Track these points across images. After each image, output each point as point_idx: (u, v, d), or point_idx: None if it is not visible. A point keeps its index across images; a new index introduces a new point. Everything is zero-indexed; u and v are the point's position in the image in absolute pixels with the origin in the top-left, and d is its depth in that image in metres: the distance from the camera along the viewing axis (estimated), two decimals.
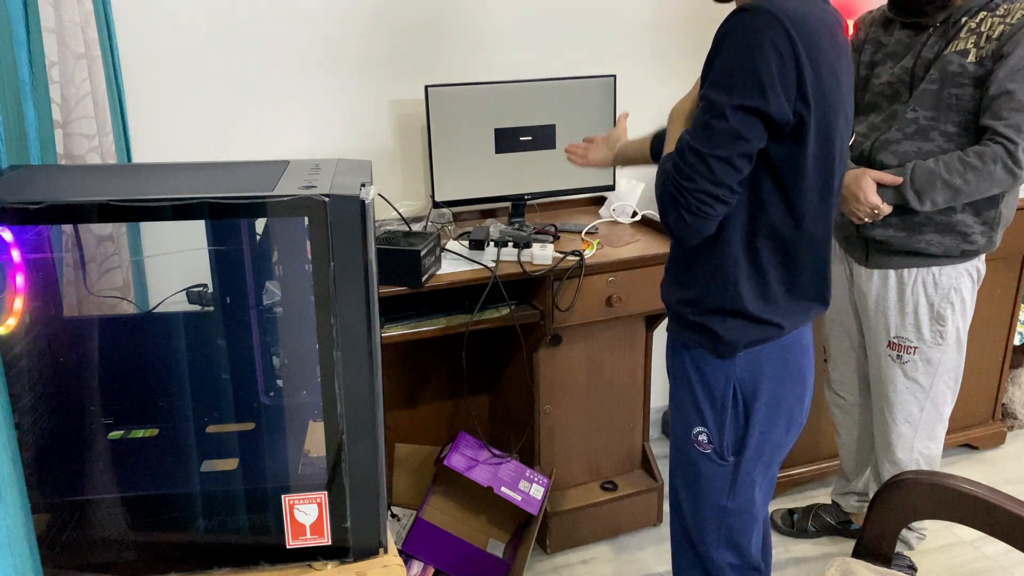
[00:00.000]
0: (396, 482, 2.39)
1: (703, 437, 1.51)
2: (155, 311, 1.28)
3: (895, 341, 1.99)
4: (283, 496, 1.03)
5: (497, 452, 2.18)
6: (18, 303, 1.01)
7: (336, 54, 2.26)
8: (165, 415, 1.16)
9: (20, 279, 1.01)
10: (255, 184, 0.97)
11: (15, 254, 1.01)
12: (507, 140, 2.31)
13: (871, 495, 2.08)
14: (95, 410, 1.11)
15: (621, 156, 1.79)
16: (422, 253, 1.89)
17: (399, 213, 2.04)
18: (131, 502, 1.06)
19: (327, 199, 0.92)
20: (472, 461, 2.11)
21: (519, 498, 2.08)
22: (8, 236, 0.99)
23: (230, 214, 0.91)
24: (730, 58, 1.25)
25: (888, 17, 1.96)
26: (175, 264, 1.41)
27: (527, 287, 2.18)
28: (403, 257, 1.89)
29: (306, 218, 0.93)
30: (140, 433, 1.14)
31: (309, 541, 1.04)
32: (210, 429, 1.17)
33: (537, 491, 2.13)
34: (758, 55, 1.23)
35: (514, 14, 2.42)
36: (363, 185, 0.96)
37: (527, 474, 2.16)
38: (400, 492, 2.39)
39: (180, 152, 2.17)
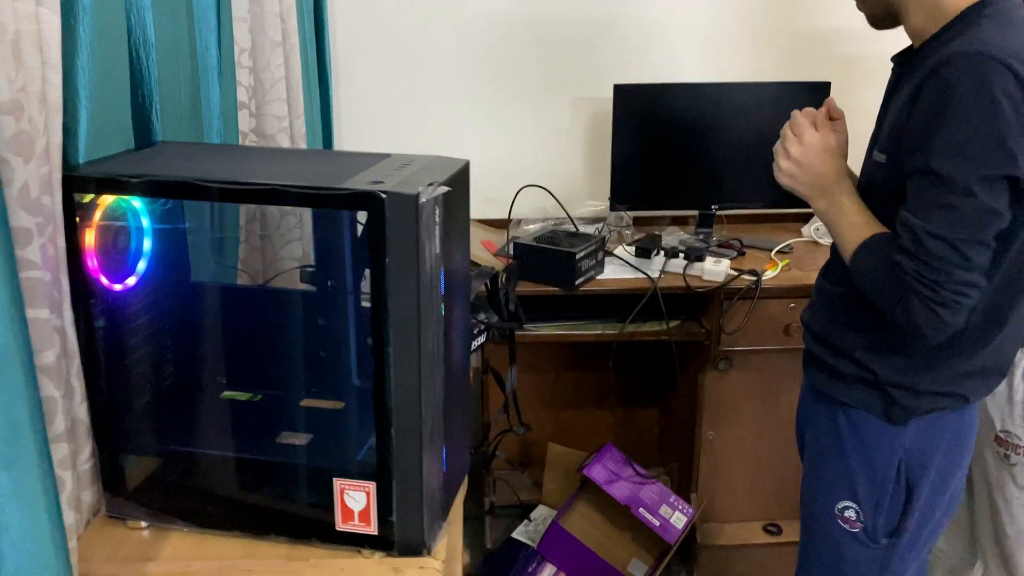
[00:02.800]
0: (546, 481, 2.38)
1: (851, 513, 1.31)
2: (268, 285, 1.37)
3: (1003, 436, 1.60)
4: (335, 479, 1.05)
5: (642, 471, 2.08)
6: (142, 265, 1.12)
7: (527, 52, 2.27)
8: (269, 383, 1.23)
9: (148, 244, 1.13)
10: (338, 174, 1.00)
11: (144, 221, 1.12)
12: (699, 146, 2.18)
13: None
14: (206, 369, 1.21)
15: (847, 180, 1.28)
16: (578, 256, 1.85)
17: (567, 213, 2.01)
18: (218, 460, 1.14)
19: (385, 195, 0.92)
20: (614, 476, 2.04)
21: (658, 523, 1.98)
22: (138, 205, 1.11)
23: (292, 202, 0.94)
24: (959, 120, 1.04)
25: None
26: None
27: (696, 303, 2.05)
28: (558, 258, 1.86)
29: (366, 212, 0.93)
30: (244, 397, 1.22)
31: (357, 528, 1.06)
32: (304, 402, 1.23)
33: (679, 519, 2.01)
34: (996, 110, 1.02)
35: (712, 14, 2.27)
36: (430, 184, 0.95)
37: (671, 499, 2.04)
38: (550, 492, 2.37)
39: (380, 141, 2.31)
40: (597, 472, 2.03)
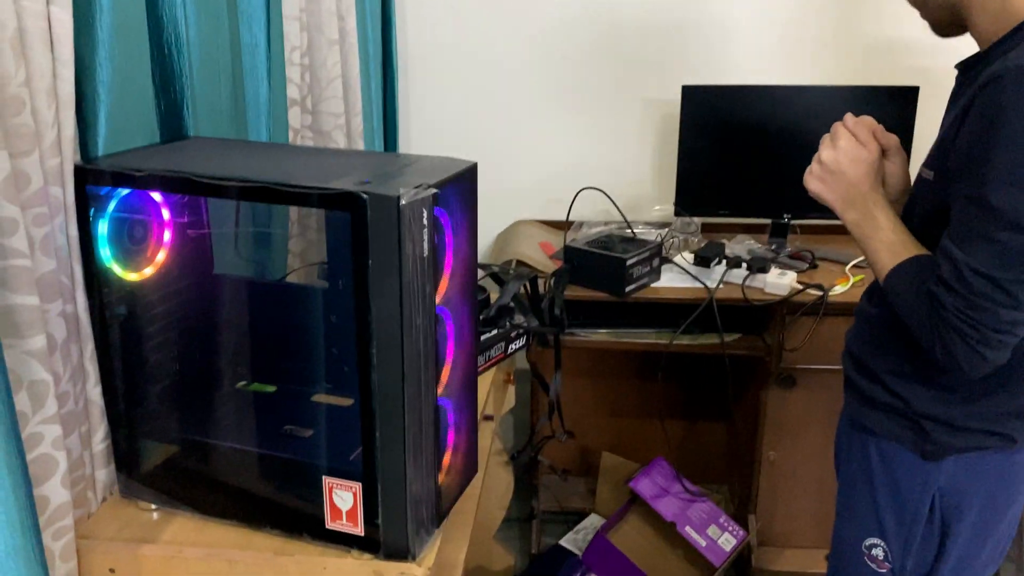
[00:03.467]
0: (599, 490, 2.33)
1: (878, 552, 1.21)
2: (286, 281, 1.38)
3: None
4: (324, 477, 1.05)
5: (691, 488, 2.00)
6: (161, 256, 1.16)
7: (597, 52, 2.22)
8: (283, 376, 1.25)
9: (167, 235, 1.16)
10: (337, 172, 1.00)
11: (165, 213, 1.15)
12: (771, 151, 2.07)
13: None
14: (221, 360, 1.23)
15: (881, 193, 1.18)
16: (628, 263, 1.79)
17: (623, 217, 1.95)
18: (223, 449, 1.16)
19: (366, 196, 0.91)
20: (662, 491, 1.97)
21: (703, 543, 1.89)
22: (158, 197, 1.14)
23: (276, 199, 0.95)
24: (1010, 145, 0.93)
25: None
26: None
27: (758, 317, 1.95)
28: (609, 263, 1.81)
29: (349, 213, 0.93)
30: (257, 388, 1.24)
31: (345, 527, 1.06)
32: (316, 398, 1.24)
33: (727, 541, 1.92)
34: None
35: (790, 14, 2.15)
36: (417, 186, 0.93)
37: (720, 520, 1.95)
38: (602, 501, 2.32)
39: (449, 139, 2.32)
40: (644, 486, 1.97)
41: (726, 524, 1.95)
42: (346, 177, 0.97)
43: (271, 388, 1.25)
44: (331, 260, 1.19)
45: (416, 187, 0.93)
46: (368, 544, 1.06)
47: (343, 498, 1.05)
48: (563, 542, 2.16)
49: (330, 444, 1.15)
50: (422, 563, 1.05)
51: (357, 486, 1.04)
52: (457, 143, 2.34)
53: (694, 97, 2.04)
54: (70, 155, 1.00)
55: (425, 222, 0.95)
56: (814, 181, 1.20)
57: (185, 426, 1.19)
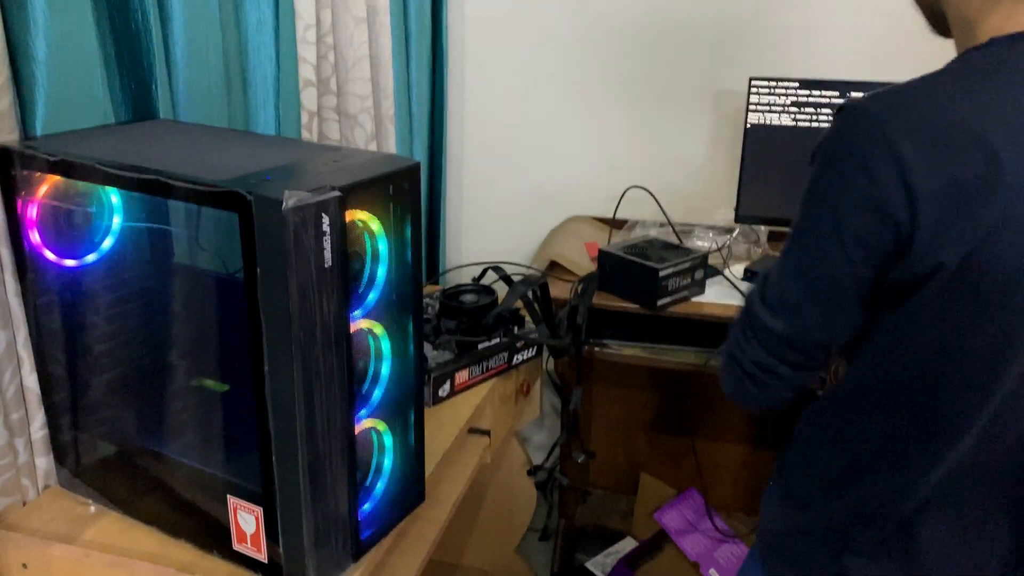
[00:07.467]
0: (637, 514, 2.16)
1: None
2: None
3: None
4: (228, 496, 0.98)
5: (722, 526, 1.81)
6: (108, 242, 1.11)
7: (664, 35, 2.02)
8: (230, 376, 1.18)
9: (116, 221, 1.11)
10: (249, 168, 0.91)
11: (114, 199, 1.10)
12: None
13: None
14: (167, 355, 1.17)
15: None
16: (662, 273, 1.61)
17: (669, 221, 1.76)
18: (152, 452, 1.11)
19: (251, 197, 0.81)
20: (689, 526, 1.79)
21: None
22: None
23: (165, 193, 0.87)
24: (804, 200, 0.92)
25: None
26: None
27: None
28: (641, 272, 1.64)
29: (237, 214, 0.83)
30: (211, 385, 1.18)
31: (249, 551, 0.98)
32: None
33: None
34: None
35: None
36: (314, 189, 0.83)
37: None
38: (638, 525, 2.16)
39: (502, 127, 2.20)
40: (671, 519, 1.80)
41: None
42: (253, 174, 0.88)
43: (225, 387, 1.18)
44: None
45: (314, 189, 0.83)
46: (273, 570, 0.97)
47: (247, 520, 0.97)
48: (589, 564, 2.02)
49: (244, 458, 1.07)
50: None
51: (259, 510, 0.95)
52: (512, 128, 2.21)
53: (762, 91, 1.82)
54: None
55: (326, 228, 0.84)
56: None
57: (126, 422, 1.14)
